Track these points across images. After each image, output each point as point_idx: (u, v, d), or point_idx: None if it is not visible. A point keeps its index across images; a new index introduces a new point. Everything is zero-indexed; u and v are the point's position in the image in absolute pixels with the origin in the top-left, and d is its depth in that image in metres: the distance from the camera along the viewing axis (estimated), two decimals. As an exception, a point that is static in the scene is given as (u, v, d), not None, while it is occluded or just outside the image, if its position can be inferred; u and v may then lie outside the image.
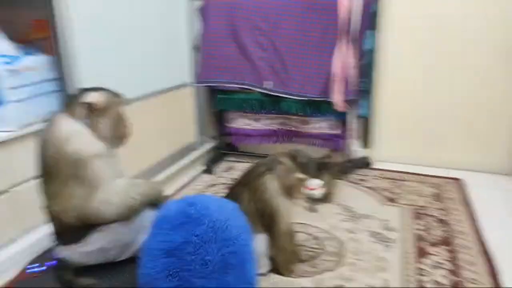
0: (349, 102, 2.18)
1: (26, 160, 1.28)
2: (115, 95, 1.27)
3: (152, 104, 2.03)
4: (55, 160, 1.11)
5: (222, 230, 1.05)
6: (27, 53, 1.46)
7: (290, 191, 1.35)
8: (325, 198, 2.13)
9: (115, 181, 1.19)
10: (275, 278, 1.40)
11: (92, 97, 1.20)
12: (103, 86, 1.28)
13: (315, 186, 2.11)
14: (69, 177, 1.11)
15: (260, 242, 1.36)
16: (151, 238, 1.06)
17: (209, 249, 1.02)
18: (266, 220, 1.34)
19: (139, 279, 1.06)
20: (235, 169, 2.45)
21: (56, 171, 1.12)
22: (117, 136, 1.27)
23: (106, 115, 1.22)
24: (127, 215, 1.22)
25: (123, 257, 1.23)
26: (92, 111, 1.19)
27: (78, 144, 1.12)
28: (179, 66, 2.32)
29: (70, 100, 1.22)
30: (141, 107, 1.93)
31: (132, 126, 1.34)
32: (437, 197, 2.03)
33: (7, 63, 1.35)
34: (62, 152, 1.10)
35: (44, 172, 1.15)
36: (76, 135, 1.14)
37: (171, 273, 1.00)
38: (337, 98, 2.12)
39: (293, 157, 1.38)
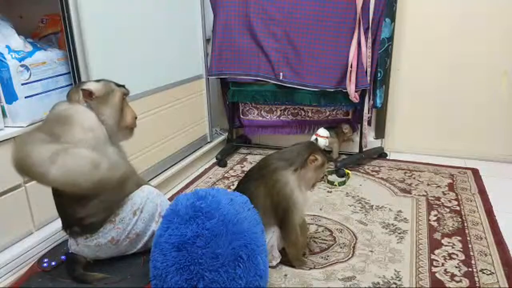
0: (364, 93, 2.15)
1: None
2: (116, 85, 1.28)
3: (164, 98, 2.04)
4: (47, 117, 1.13)
5: (233, 223, 1.06)
6: (39, 48, 1.47)
7: (315, 183, 1.37)
8: (329, 151, 2.28)
9: (70, 151, 1.06)
10: (287, 270, 1.40)
11: (91, 85, 1.21)
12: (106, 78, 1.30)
13: (322, 134, 2.16)
14: (45, 125, 1.10)
15: (271, 235, 1.36)
16: (162, 232, 1.07)
17: (219, 242, 1.03)
18: (280, 213, 1.34)
19: (151, 273, 1.08)
20: (248, 161, 2.46)
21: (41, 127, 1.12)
22: (120, 126, 1.26)
23: (107, 104, 1.22)
24: (69, 188, 1.08)
25: (134, 250, 1.25)
26: (92, 98, 1.20)
27: (76, 113, 1.15)
28: (192, 58, 2.31)
29: (72, 90, 1.24)
30: (153, 100, 1.94)
31: (137, 117, 1.32)
32: (451, 188, 2.00)
33: (19, 58, 1.37)
34: (57, 112, 1.13)
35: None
36: (77, 109, 1.16)
37: (181, 266, 1.01)
38: (352, 89, 2.09)
39: (323, 153, 1.39)
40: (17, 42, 1.41)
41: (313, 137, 2.26)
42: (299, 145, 1.41)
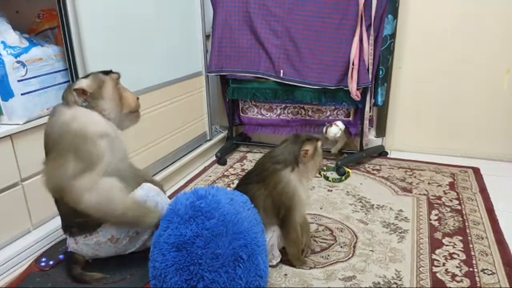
0: (366, 90, 2.13)
1: (36, 152, 1.28)
2: (104, 73, 1.24)
3: (163, 95, 2.02)
4: (57, 139, 1.10)
5: (233, 223, 1.05)
6: (36, 44, 1.45)
7: (319, 167, 1.35)
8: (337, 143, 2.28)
9: (110, 178, 1.13)
10: (287, 269, 1.39)
11: (82, 82, 1.18)
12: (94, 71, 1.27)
13: (339, 124, 2.15)
14: (66, 150, 1.08)
15: (271, 234, 1.35)
16: (161, 232, 1.06)
17: (219, 242, 1.01)
18: (282, 211, 1.33)
19: (150, 273, 1.06)
20: (247, 159, 2.44)
21: (55, 146, 1.10)
22: (125, 112, 1.24)
23: (104, 97, 1.19)
24: (100, 217, 1.14)
25: (133, 249, 1.23)
26: (87, 96, 1.17)
27: (84, 122, 1.12)
28: (191, 55, 2.28)
29: (65, 92, 1.21)
30: (152, 97, 1.92)
31: (138, 98, 1.29)
32: (452, 187, 1.99)
33: (15, 54, 1.34)
34: (67, 130, 1.10)
35: (46, 154, 1.14)
36: (81, 116, 1.13)
37: (181, 267, 0.99)
38: (354, 87, 2.07)
39: (307, 138, 1.36)
40: (13, 37, 1.38)
41: (327, 124, 2.22)
42: (286, 142, 1.38)
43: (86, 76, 1.23)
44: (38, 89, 1.42)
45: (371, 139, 2.41)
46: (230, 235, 1.03)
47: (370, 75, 2.09)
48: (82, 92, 1.17)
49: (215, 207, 1.05)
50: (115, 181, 1.13)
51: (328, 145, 2.31)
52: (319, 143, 1.38)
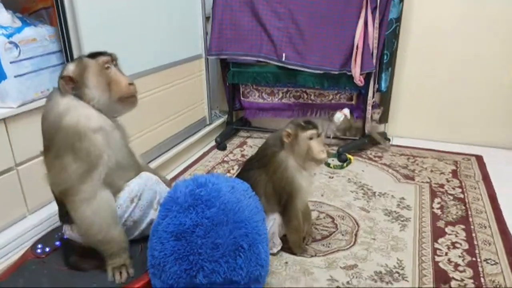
0: (369, 76, 2.08)
1: (31, 136, 1.24)
2: (95, 55, 1.13)
3: (162, 78, 1.96)
4: (52, 134, 1.05)
5: (234, 212, 1.02)
6: (29, 24, 1.39)
7: (308, 157, 1.29)
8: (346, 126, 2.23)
9: (107, 194, 1.09)
10: (287, 257, 1.37)
11: (68, 69, 1.08)
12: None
13: (345, 111, 2.08)
14: (64, 150, 1.03)
15: (272, 222, 1.33)
16: (160, 220, 1.03)
17: (220, 232, 0.99)
18: (283, 198, 1.31)
19: (148, 261, 1.04)
20: (248, 145, 2.40)
21: (52, 144, 1.05)
22: (116, 99, 1.12)
23: (88, 85, 1.08)
24: (80, 231, 1.10)
25: (131, 237, 1.20)
26: (75, 83, 1.08)
27: (75, 117, 1.04)
28: (190, 37, 2.22)
29: (58, 79, 1.11)
30: (150, 81, 1.87)
31: (132, 83, 1.16)
32: (455, 174, 1.97)
33: (7, 35, 1.29)
34: (59, 125, 1.03)
35: (44, 146, 1.10)
36: (73, 109, 1.06)
37: (180, 256, 0.97)
38: (357, 72, 2.02)
39: (297, 123, 1.31)
40: (5, 17, 1.32)
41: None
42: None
43: (73, 61, 1.14)
44: (32, 71, 1.37)
45: (373, 125, 2.36)
46: (231, 224, 1.00)
47: (375, 60, 2.04)
48: (69, 79, 1.08)
49: (216, 195, 1.01)
50: (111, 201, 1.11)
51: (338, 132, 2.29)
52: (307, 132, 1.27)
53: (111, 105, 1.13)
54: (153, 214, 1.20)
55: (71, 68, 1.09)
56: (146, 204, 1.20)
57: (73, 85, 1.09)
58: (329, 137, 2.25)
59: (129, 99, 1.15)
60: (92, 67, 1.10)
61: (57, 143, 1.04)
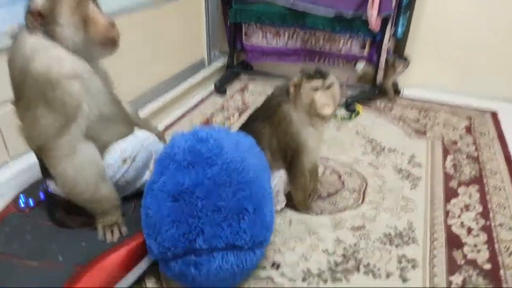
0: (386, 20, 1.88)
1: (7, 76, 1.08)
2: None
3: (157, 15, 1.76)
4: (20, 82, 0.90)
5: (238, 172, 0.90)
6: None
7: (311, 111, 1.16)
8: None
9: (90, 148, 0.97)
10: (291, 215, 1.29)
11: (37, 2, 0.89)
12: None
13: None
14: (35, 101, 0.89)
15: (278, 179, 1.23)
16: (156, 178, 0.91)
17: (222, 193, 0.88)
18: (290, 155, 1.20)
19: (142, 220, 0.94)
20: (249, 90, 2.24)
21: (22, 94, 0.91)
22: (94, 40, 0.95)
23: (60, 22, 0.90)
24: (64, 191, 0.99)
25: (123, 195, 1.09)
26: (45, 19, 0.90)
27: (45, 60, 0.88)
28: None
29: (26, 13, 0.92)
30: (143, 18, 1.67)
31: (113, 24, 0.97)
32: (469, 131, 1.86)
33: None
34: (27, 71, 0.87)
35: (14, 95, 0.95)
36: (43, 51, 0.88)
37: (178, 219, 0.87)
38: (374, 15, 1.82)
39: (305, 72, 1.17)
40: None
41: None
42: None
43: None
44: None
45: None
46: (234, 186, 0.89)
47: (394, 2, 1.83)
48: (38, 15, 0.89)
49: (218, 152, 0.89)
50: (95, 156, 0.98)
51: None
52: (311, 83, 1.13)
53: (87, 48, 0.95)
54: (148, 175, 1.09)
55: (40, 1, 0.90)
56: (142, 165, 1.08)
57: (42, 21, 0.90)
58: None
59: (110, 43, 0.98)
60: (65, 1, 0.91)
61: (26, 93, 0.89)
